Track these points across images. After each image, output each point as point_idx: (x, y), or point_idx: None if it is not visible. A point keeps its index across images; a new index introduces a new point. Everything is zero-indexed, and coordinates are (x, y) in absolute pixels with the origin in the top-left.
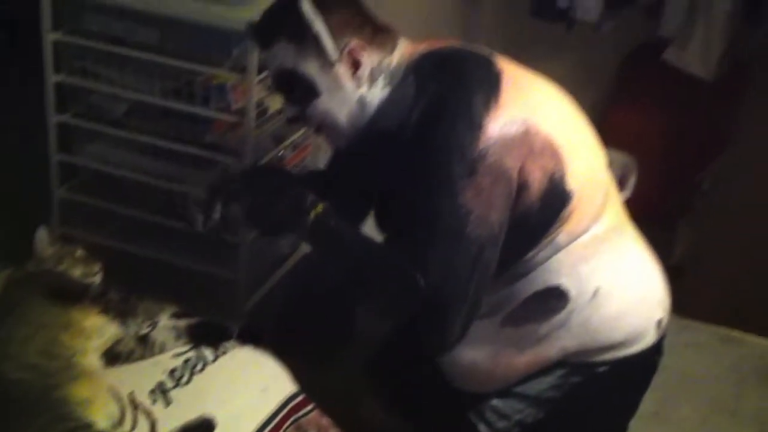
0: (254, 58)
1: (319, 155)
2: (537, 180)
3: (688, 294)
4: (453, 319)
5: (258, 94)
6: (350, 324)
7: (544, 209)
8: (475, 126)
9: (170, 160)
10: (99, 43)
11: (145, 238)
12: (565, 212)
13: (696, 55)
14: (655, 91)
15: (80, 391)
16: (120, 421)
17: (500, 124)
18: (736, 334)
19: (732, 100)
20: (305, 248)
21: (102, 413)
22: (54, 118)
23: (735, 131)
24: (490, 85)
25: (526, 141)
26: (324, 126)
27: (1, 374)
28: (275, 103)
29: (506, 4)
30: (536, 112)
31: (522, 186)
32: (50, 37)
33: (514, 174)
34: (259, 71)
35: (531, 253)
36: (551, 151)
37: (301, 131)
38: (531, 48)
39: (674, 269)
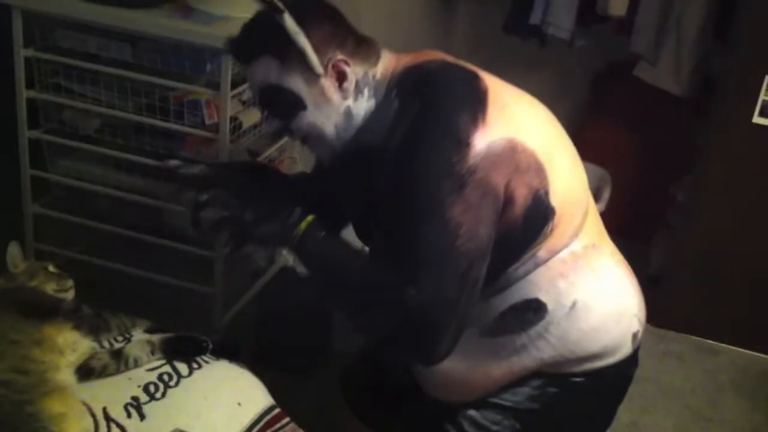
0: (228, 73)
1: (294, 169)
2: (522, 196)
3: (665, 304)
4: (443, 333)
5: (232, 109)
6: (326, 338)
7: (527, 225)
8: (463, 143)
9: (144, 175)
10: (71, 59)
11: (120, 253)
12: (547, 228)
13: (667, 71)
14: (627, 106)
15: (53, 406)
16: None
17: (487, 141)
18: (712, 343)
19: (703, 114)
20: (282, 262)
21: (76, 428)
22: (26, 134)
23: (708, 144)
24: (476, 103)
25: (513, 158)
26: (310, 138)
27: None
28: (249, 118)
29: (480, 20)
30: (522, 129)
31: (507, 202)
32: (22, 52)
33: (501, 190)
34: (233, 87)
35: (512, 269)
36: (536, 168)
37: (276, 146)
38: (505, 64)
39: (650, 280)
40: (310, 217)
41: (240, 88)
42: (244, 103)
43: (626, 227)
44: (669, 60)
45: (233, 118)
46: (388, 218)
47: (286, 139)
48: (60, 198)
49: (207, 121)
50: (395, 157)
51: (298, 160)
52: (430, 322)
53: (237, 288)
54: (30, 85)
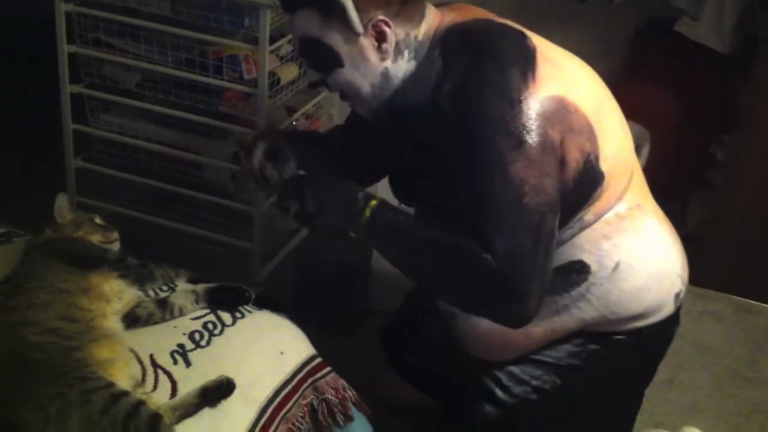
0: (266, 28)
1: (331, 125)
2: (574, 159)
3: (703, 263)
4: (528, 292)
5: (270, 64)
6: (363, 294)
7: (577, 190)
8: (515, 101)
9: (183, 130)
10: (111, 14)
11: (159, 207)
12: (596, 193)
13: (709, 27)
14: (668, 63)
15: (101, 352)
16: (141, 382)
17: (539, 98)
18: (751, 303)
19: (744, 72)
20: None
21: (123, 373)
22: (68, 89)
23: (750, 103)
24: (526, 61)
25: (566, 117)
26: (346, 94)
27: (22, 338)
28: (287, 73)
29: None
30: (572, 89)
31: (560, 162)
32: (63, 7)
33: (558, 146)
34: (271, 42)
35: (559, 231)
36: (588, 131)
37: (313, 102)
38: (543, 21)
39: (689, 239)
40: (374, 201)
41: (278, 43)
42: (281, 58)
43: (664, 186)
44: (711, 15)
45: (271, 74)
46: (442, 179)
47: (323, 95)
48: (101, 152)
49: (245, 76)
50: (447, 115)
51: (335, 117)
52: (512, 283)
53: (275, 243)
54: (71, 40)
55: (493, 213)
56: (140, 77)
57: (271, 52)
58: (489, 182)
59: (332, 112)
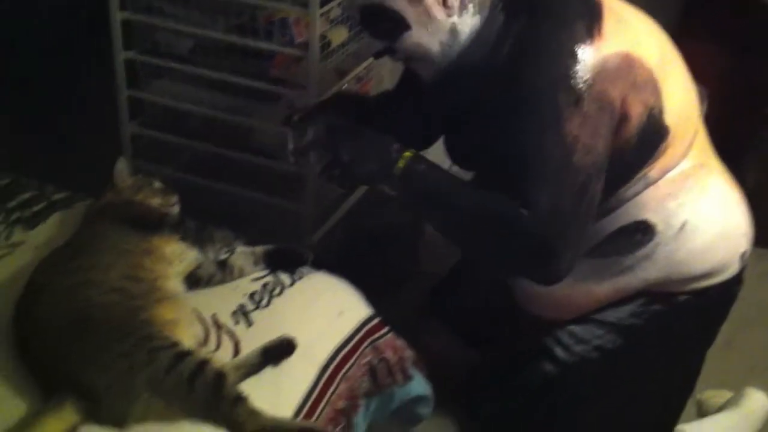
0: None
1: (381, 88)
2: (637, 114)
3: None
4: (562, 251)
5: (321, 27)
6: (413, 256)
7: (641, 145)
8: (578, 56)
9: (235, 95)
10: None
11: (212, 171)
12: (661, 148)
13: None
14: (724, 19)
15: (165, 312)
16: (204, 342)
17: (603, 54)
18: None
19: None
20: None
21: (187, 333)
22: (122, 55)
23: None
24: (591, 16)
25: (630, 73)
26: (414, 58)
27: (87, 299)
28: (338, 36)
29: None
30: (638, 44)
31: (622, 119)
32: None
33: (617, 105)
34: (322, 4)
35: (622, 189)
36: (652, 85)
37: (363, 65)
38: None
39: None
40: (408, 153)
41: (328, 6)
42: (332, 21)
43: (719, 145)
44: None
45: (322, 37)
46: (495, 137)
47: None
48: (154, 118)
49: (296, 40)
50: (508, 71)
51: (385, 79)
52: (547, 240)
53: (327, 206)
54: (123, 7)
55: (540, 169)
56: (192, 43)
57: (322, 15)
58: (541, 138)
59: (382, 74)
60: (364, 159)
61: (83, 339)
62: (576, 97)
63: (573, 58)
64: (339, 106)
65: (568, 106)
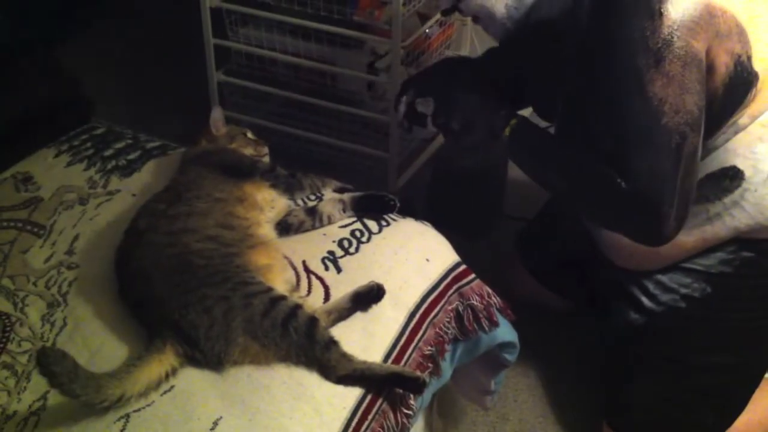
0: None
1: (464, 32)
2: (723, 64)
3: None
4: (666, 213)
5: None
6: (497, 202)
7: (730, 93)
8: (655, 12)
9: (319, 41)
10: None
11: (297, 118)
12: (750, 95)
13: None
14: None
15: (259, 258)
16: (296, 287)
17: (681, 7)
18: None
19: None
20: None
21: (280, 279)
22: (208, 3)
23: None
24: None
25: (711, 23)
26: (480, 18)
27: (185, 245)
28: None
29: None
30: None
31: (708, 70)
32: None
33: (702, 56)
34: None
35: (711, 139)
36: (737, 32)
37: None
38: None
39: None
40: (514, 120)
41: None
42: None
43: None
44: None
45: None
46: (580, 99)
47: None
48: (240, 66)
49: None
50: (584, 34)
51: (468, 23)
52: (651, 205)
53: (410, 152)
54: None
55: (632, 135)
56: None
57: None
58: (627, 104)
59: (466, 19)
60: (474, 128)
61: (183, 284)
62: (656, 58)
63: (648, 18)
64: (448, 71)
65: (649, 69)
